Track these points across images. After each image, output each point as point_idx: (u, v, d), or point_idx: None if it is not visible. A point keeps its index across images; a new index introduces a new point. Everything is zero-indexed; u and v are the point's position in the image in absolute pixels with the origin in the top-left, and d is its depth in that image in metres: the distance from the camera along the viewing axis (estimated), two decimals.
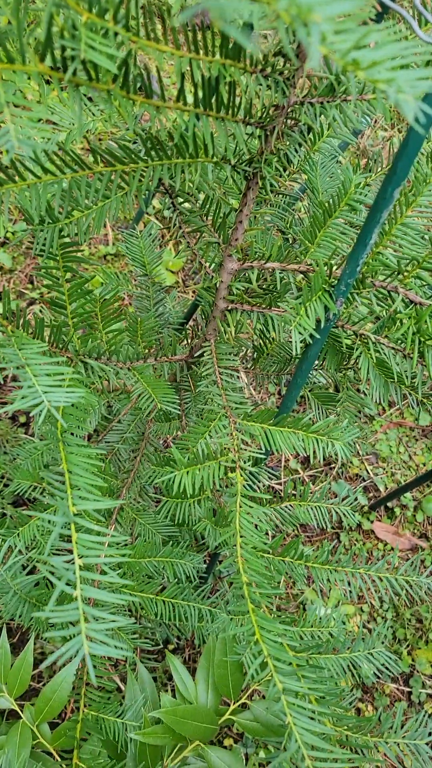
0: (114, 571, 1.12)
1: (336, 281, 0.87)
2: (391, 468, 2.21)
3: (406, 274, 0.88)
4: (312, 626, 1.08)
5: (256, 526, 0.90)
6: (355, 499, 2.17)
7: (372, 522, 2.12)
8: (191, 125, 0.69)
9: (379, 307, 0.92)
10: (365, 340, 0.94)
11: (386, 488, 2.18)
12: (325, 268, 0.87)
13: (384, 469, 2.21)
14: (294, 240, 1.14)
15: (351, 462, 2.26)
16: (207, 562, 1.76)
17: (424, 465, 2.23)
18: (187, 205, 0.91)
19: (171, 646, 1.75)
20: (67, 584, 0.61)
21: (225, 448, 0.93)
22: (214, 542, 1.06)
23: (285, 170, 1.08)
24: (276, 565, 1.08)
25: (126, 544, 1.16)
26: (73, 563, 0.62)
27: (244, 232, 0.90)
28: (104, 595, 0.57)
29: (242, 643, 0.81)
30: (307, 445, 0.95)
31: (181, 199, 0.89)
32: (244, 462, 0.93)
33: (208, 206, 0.92)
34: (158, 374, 1.07)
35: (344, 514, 1.13)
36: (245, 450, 0.92)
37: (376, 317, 0.93)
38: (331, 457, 2.17)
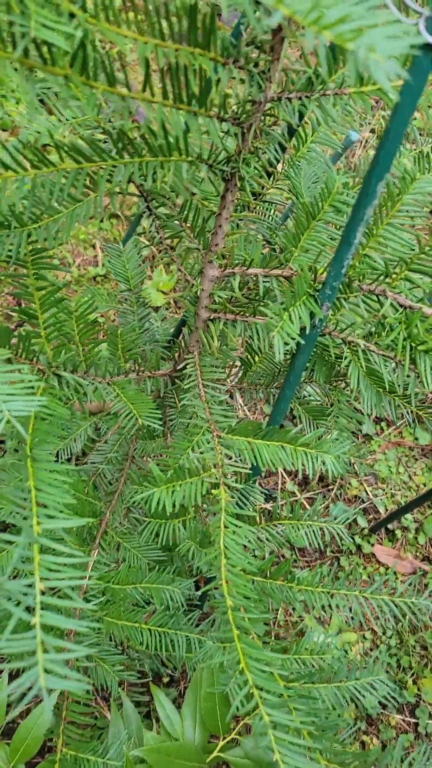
0: (97, 598, 1.06)
1: (321, 285, 0.82)
2: (391, 489, 2.15)
3: (394, 276, 0.84)
4: (308, 653, 1.02)
5: (245, 547, 0.84)
6: (355, 521, 2.11)
7: (372, 545, 2.06)
8: (159, 119, 0.65)
9: (367, 312, 0.87)
10: (354, 348, 0.90)
11: (386, 510, 2.12)
12: (310, 272, 0.82)
13: (384, 490, 2.15)
14: (281, 250, 1.10)
15: (350, 483, 2.20)
16: (201, 586, 1.70)
17: (425, 485, 2.17)
18: (164, 210, 0.87)
19: (165, 679, 1.67)
20: (26, 610, 0.55)
21: (208, 464, 0.88)
22: (199, 565, 1.00)
23: (269, 175, 1.04)
24: (267, 588, 1.02)
25: (109, 570, 1.10)
26: (34, 587, 0.57)
27: (225, 237, 0.86)
28: (63, 621, 0.52)
29: (228, 672, 0.75)
30: (296, 460, 0.90)
31: (157, 204, 0.85)
32: (229, 478, 0.87)
33: (186, 211, 0.89)
34: (141, 389, 1.03)
35: (338, 533, 1.07)
36: (230, 465, 0.87)
37: (364, 323, 0.88)
38: (327, 475, 2.11)
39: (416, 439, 2.23)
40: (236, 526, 0.83)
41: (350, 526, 2.11)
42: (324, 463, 0.90)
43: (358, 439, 2.23)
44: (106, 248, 1.26)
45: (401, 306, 0.85)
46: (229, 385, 1.13)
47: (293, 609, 2.06)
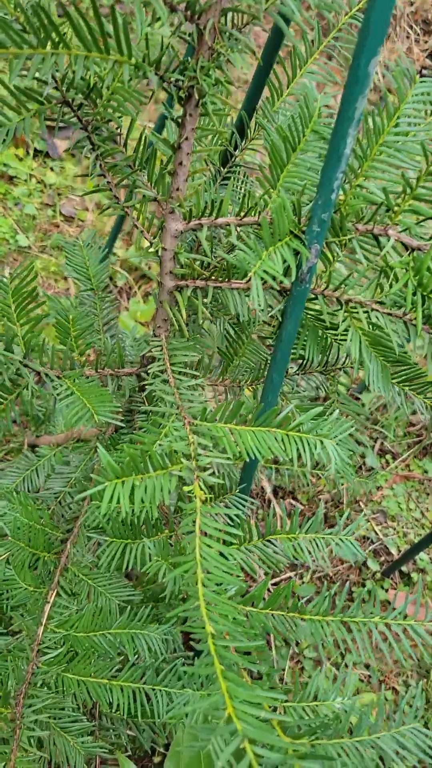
0: (56, 649, 0.85)
1: (307, 222, 0.67)
2: (402, 527, 1.94)
3: (396, 209, 0.68)
4: (314, 700, 0.81)
5: (221, 553, 0.65)
6: (365, 564, 1.89)
7: (386, 591, 1.83)
8: None
9: (367, 261, 0.71)
10: (353, 309, 0.73)
11: (399, 550, 1.90)
12: (292, 208, 0.67)
13: (394, 528, 1.94)
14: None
15: (359, 525, 1.99)
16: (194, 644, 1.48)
17: None
18: (112, 145, 0.72)
19: (156, 759, 1.42)
20: None
21: (177, 456, 0.70)
22: (172, 587, 0.80)
23: (241, 134, 0.90)
24: (261, 621, 0.82)
25: (71, 614, 0.90)
26: None
27: (187, 178, 0.71)
28: None
29: (211, 722, 0.55)
30: (288, 447, 0.72)
31: (101, 137, 0.70)
32: (206, 472, 0.69)
33: (140, 151, 0.74)
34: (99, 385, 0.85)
35: (352, 549, 0.88)
36: (206, 456, 0.69)
37: (362, 276, 0.72)
38: (326, 466, 1.91)
39: (425, 471, 2.03)
40: (213, 527, 0.65)
41: (360, 571, 1.89)
42: (324, 449, 0.72)
43: (361, 473, 2.03)
44: (63, 245, 1.11)
45: (407, 247, 0.69)
46: (207, 383, 0.96)
47: (302, 668, 1.81)
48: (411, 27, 3.04)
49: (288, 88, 0.86)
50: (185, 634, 1.63)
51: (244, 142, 0.91)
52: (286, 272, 0.73)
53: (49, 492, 1.03)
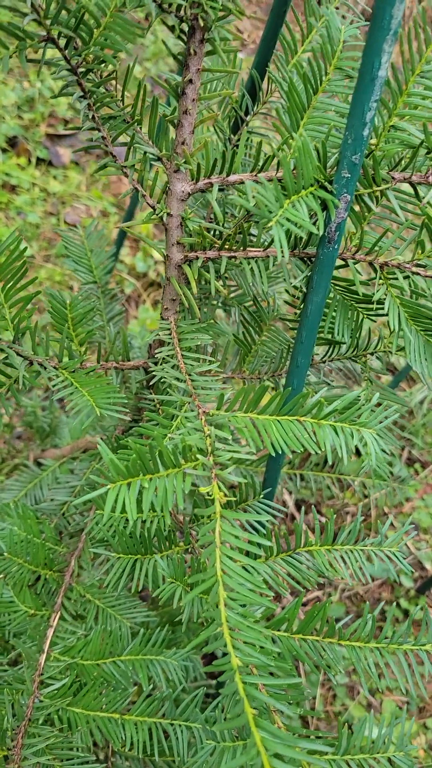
0: (59, 680, 0.75)
1: (335, 168, 0.57)
2: None
3: None
4: (366, 753, 0.69)
5: (245, 568, 0.55)
6: (397, 581, 1.76)
7: (422, 609, 1.70)
8: None
9: (406, 214, 0.62)
10: (390, 274, 0.63)
11: None
12: (315, 152, 0.57)
13: (427, 542, 1.82)
14: None
15: (386, 536, 1.87)
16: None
17: None
18: (104, 93, 0.63)
19: None
20: None
21: (192, 452, 0.59)
22: (189, 610, 0.69)
23: (253, 97, 0.81)
24: (293, 647, 0.71)
25: (77, 640, 0.79)
26: None
27: (194, 129, 0.62)
28: None
29: None
30: (322, 439, 0.62)
31: (94, 82, 0.61)
32: (225, 470, 0.59)
33: (139, 99, 0.64)
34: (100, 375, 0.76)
35: (393, 557, 0.78)
36: (225, 451, 0.59)
37: (401, 234, 0.62)
38: (365, 458, 1.78)
39: None
40: (236, 537, 0.55)
41: (392, 588, 1.77)
42: (362, 441, 0.62)
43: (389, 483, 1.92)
44: (62, 235, 1.02)
45: None
46: (222, 376, 0.85)
47: (334, 695, 1.68)
48: None
49: (304, 42, 0.77)
50: (206, 658, 1.52)
51: (256, 105, 0.82)
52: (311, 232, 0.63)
53: (51, 504, 0.93)
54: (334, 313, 0.69)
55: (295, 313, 0.73)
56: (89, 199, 2.14)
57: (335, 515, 1.83)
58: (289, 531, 1.83)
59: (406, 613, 1.73)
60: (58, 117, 2.31)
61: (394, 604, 1.67)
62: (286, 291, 0.78)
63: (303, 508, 1.81)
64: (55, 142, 2.25)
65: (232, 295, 0.93)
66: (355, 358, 0.82)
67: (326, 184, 0.57)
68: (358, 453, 1.97)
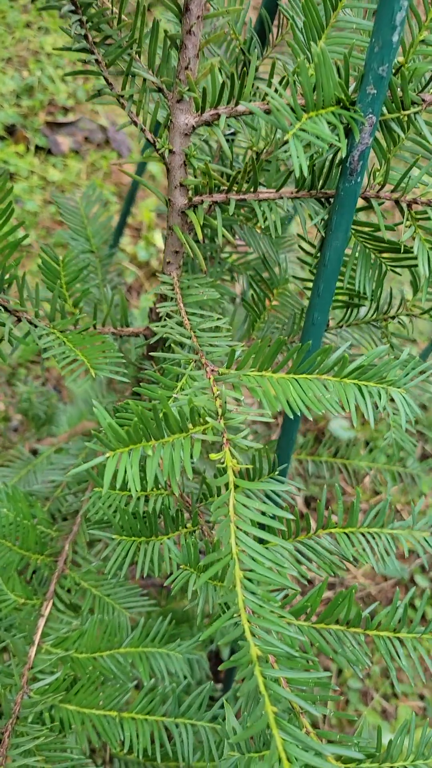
0: (51, 674, 0.67)
1: (358, 86, 0.50)
2: None
3: None
4: (402, 760, 0.60)
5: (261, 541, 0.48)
6: (412, 580, 1.69)
7: None
8: None
9: None
10: (420, 214, 0.57)
11: None
12: (335, 69, 0.50)
13: None
14: None
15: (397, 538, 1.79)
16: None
17: None
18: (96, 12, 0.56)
19: None
20: None
21: (201, 414, 0.52)
22: (202, 604, 0.62)
23: (262, 40, 0.75)
24: (315, 638, 0.64)
25: (71, 631, 0.72)
26: None
27: (198, 52, 0.55)
28: None
29: None
30: (346, 398, 0.55)
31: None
32: (237, 434, 0.52)
33: (138, 18, 0.57)
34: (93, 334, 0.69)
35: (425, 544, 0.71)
36: (237, 413, 0.52)
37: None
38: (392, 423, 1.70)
39: None
40: (257, 512, 0.48)
41: (407, 589, 1.69)
42: (391, 400, 0.55)
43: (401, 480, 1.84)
44: (58, 201, 0.95)
45: None
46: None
47: (347, 701, 1.60)
48: None
49: None
50: (212, 660, 1.44)
51: (266, 49, 0.75)
52: (332, 160, 0.56)
53: (45, 486, 0.86)
54: (354, 262, 0.63)
55: (314, 257, 0.66)
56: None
57: (345, 513, 1.76)
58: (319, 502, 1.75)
59: (422, 616, 1.65)
60: (58, 105, 2.25)
61: (411, 606, 1.60)
62: (300, 247, 0.71)
63: (324, 489, 1.74)
64: (54, 131, 2.19)
65: (239, 261, 0.86)
66: (376, 322, 0.75)
67: (349, 105, 0.50)
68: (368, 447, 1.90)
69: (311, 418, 0.54)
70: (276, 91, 0.47)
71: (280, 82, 0.53)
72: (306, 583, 1.12)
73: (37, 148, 2.13)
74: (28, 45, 2.40)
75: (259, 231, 0.77)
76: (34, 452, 1.36)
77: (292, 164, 0.43)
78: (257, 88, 0.72)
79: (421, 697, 1.59)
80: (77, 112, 2.27)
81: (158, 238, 2.00)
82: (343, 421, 1.82)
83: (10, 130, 2.13)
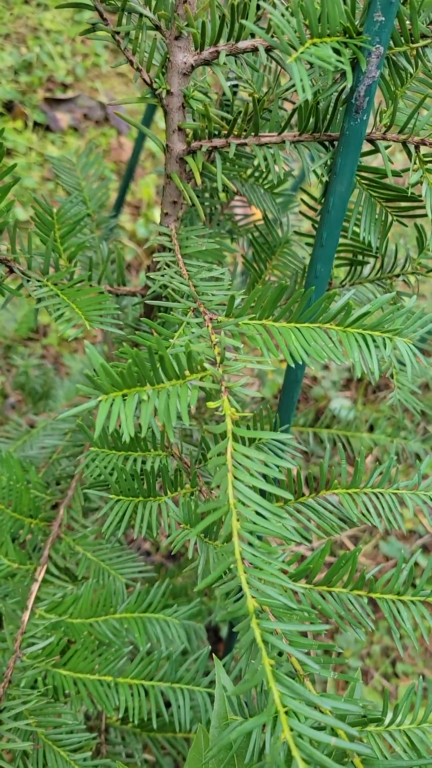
0: (45, 639, 0.66)
1: (363, 17, 0.48)
2: None
3: None
4: (411, 723, 0.58)
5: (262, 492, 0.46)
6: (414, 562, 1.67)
7: None
8: None
9: None
10: (428, 157, 0.54)
11: None
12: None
13: None
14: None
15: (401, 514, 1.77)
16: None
17: None
18: None
19: None
20: None
21: (198, 361, 0.50)
22: (202, 564, 0.60)
23: None
24: (317, 601, 0.62)
25: (65, 596, 0.70)
26: None
27: None
28: None
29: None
30: (349, 348, 0.52)
31: None
32: (235, 382, 0.50)
33: None
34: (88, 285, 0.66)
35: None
36: (234, 361, 0.50)
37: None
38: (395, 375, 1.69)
39: None
40: (249, 459, 0.46)
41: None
42: (395, 350, 0.53)
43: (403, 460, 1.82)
44: (53, 163, 0.93)
45: None
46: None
47: (345, 681, 1.59)
48: None
49: None
50: (212, 639, 1.43)
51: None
52: (337, 102, 0.54)
53: (40, 452, 0.84)
54: (359, 214, 0.60)
55: (318, 202, 0.63)
56: None
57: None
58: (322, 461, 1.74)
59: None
60: (57, 82, 2.22)
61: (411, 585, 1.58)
62: (302, 200, 0.69)
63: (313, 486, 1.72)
64: (53, 107, 2.16)
65: (241, 222, 0.84)
66: (380, 281, 0.72)
67: (355, 36, 0.48)
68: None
69: (313, 367, 0.52)
70: (283, 16, 0.45)
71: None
72: (307, 543, 1.11)
73: (36, 124, 2.10)
74: (27, 21, 2.36)
75: (260, 189, 0.74)
76: (32, 426, 1.34)
77: (295, 87, 0.41)
78: (260, 15, 0.69)
79: (422, 677, 1.58)
80: (76, 89, 2.23)
81: (158, 216, 1.98)
82: (344, 401, 1.80)
83: (8, 106, 2.10)
